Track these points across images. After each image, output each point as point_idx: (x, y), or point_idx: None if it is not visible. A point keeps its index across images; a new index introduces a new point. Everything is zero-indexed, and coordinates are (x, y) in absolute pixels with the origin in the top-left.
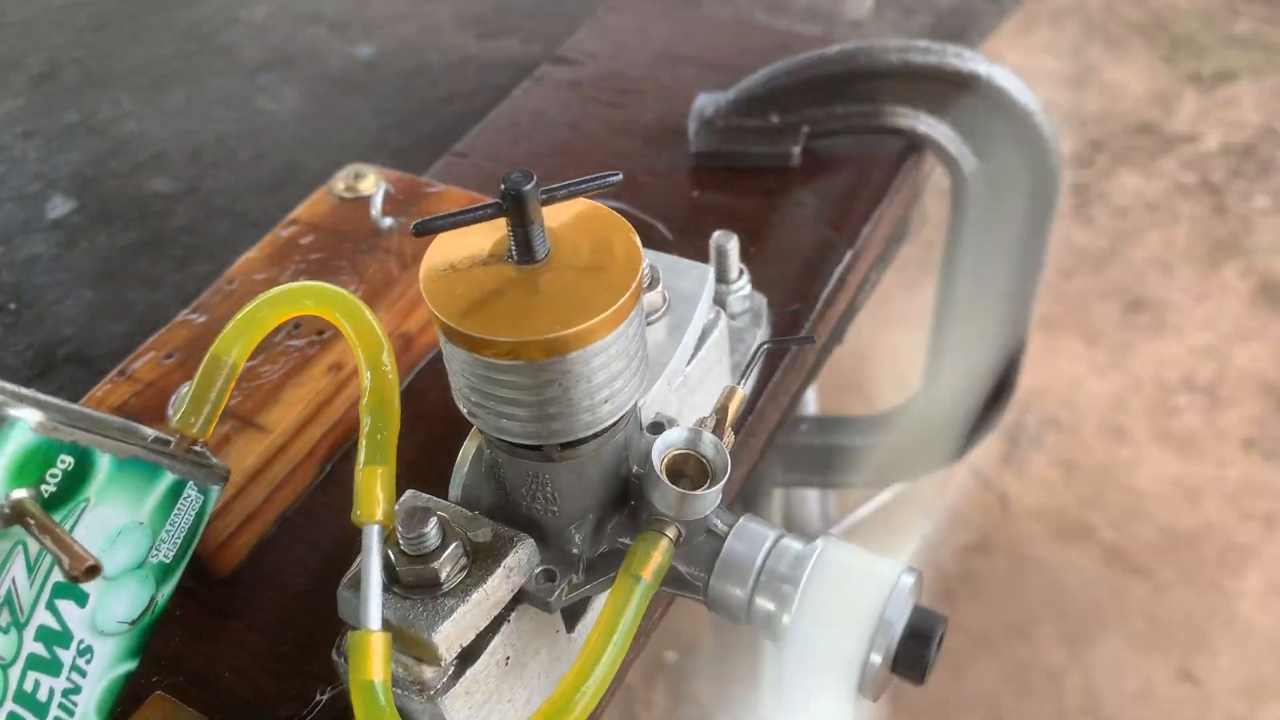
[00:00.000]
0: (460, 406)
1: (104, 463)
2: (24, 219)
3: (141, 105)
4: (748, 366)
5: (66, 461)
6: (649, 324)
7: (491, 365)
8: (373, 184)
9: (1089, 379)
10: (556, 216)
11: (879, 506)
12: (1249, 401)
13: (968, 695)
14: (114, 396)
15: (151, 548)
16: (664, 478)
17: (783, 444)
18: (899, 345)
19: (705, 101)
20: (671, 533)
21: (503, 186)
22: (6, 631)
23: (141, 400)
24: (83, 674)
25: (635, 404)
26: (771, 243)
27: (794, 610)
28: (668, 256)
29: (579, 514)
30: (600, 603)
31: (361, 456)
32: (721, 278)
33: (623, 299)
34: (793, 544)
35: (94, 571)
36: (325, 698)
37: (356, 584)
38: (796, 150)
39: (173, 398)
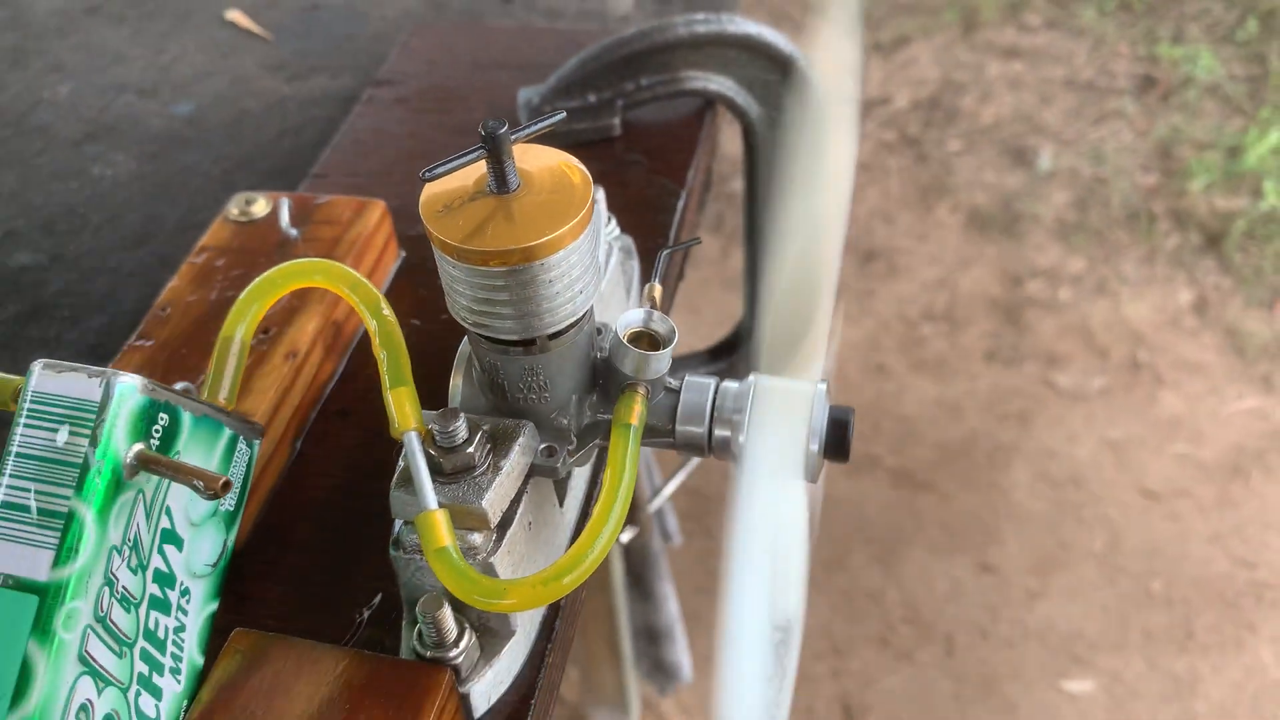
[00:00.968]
0: (464, 321)
1: (186, 421)
2: None
3: None
4: (655, 269)
5: (164, 419)
6: None
7: (490, 274)
8: (264, 206)
9: (844, 329)
10: (523, 159)
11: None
12: (982, 319)
13: (805, 632)
14: None
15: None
16: (628, 344)
17: None
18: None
19: (529, 93)
20: (641, 390)
21: (482, 132)
22: (136, 572)
23: None
24: (185, 613)
25: (596, 297)
26: (618, 197)
27: (746, 431)
28: None
29: (565, 397)
30: (579, 480)
31: (386, 382)
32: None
33: (583, 212)
34: (730, 384)
35: (228, 486)
36: (370, 613)
37: (406, 482)
38: (616, 121)
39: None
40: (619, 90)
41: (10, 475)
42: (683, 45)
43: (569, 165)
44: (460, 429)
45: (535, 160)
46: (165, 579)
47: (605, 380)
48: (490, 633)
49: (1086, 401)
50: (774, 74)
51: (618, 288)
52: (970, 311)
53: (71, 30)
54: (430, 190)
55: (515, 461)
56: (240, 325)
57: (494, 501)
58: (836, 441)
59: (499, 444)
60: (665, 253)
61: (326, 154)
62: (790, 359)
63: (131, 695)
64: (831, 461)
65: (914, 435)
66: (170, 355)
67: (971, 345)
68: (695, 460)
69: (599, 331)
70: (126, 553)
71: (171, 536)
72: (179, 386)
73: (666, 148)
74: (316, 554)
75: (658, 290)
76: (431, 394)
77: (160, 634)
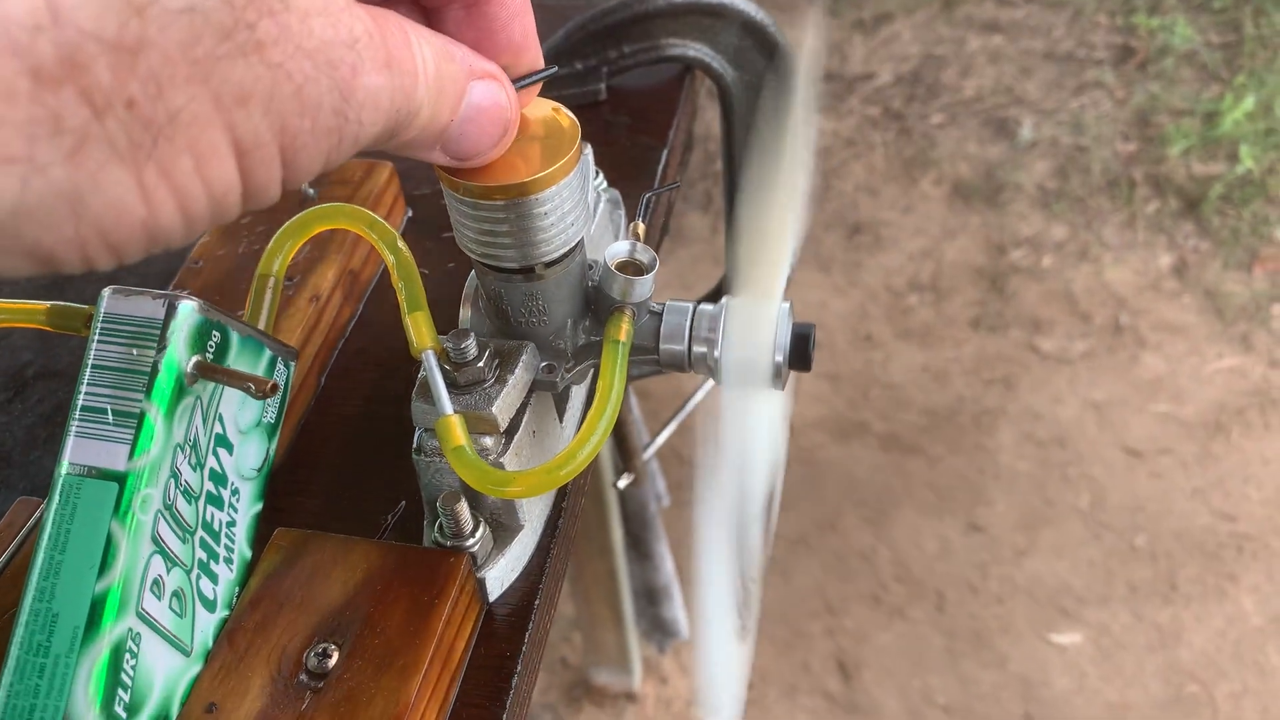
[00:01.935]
0: (471, 252)
1: (235, 339)
2: None
3: None
4: (639, 210)
5: (216, 337)
6: None
7: (492, 208)
8: None
9: (832, 300)
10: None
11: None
12: (967, 287)
13: (800, 592)
14: None
15: (264, 410)
16: (616, 271)
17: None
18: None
19: None
20: (628, 311)
21: None
22: (195, 469)
23: None
24: (235, 510)
25: (587, 231)
26: (605, 155)
27: (720, 345)
28: None
29: (561, 321)
30: (576, 400)
31: (405, 307)
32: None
33: (572, 152)
34: (706, 307)
35: (275, 388)
36: (393, 520)
37: (425, 393)
38: (602, 86)
39: None
40: (603, 58)
41: (88, 384)
42: (662, 15)
43: (559, 112)
44: (471, 347)
45: (529, 109)
46: (219, 478)
47: (597, 306)
48: (502, 527)
49: (1070, 364)
50: (747, 40)
51: (606, 232)
52: (955, 280)
53: None
54: None
55: (520, 376)
56: (275, 262)
57: (502, 409)
58: (799, 353)
59: (505, 361)
60: (647, 195)
61: None
62: (757, 285)
63: (194, 577)
64: (796, 371)
65: (902, 401)
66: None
67: (957, 313)
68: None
69: (590, 266)
70: (188, 451)
71: (223, 441)
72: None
73: (649, 110)
74: (343, 471)
75: (641, 227)
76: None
77: (215, 526)
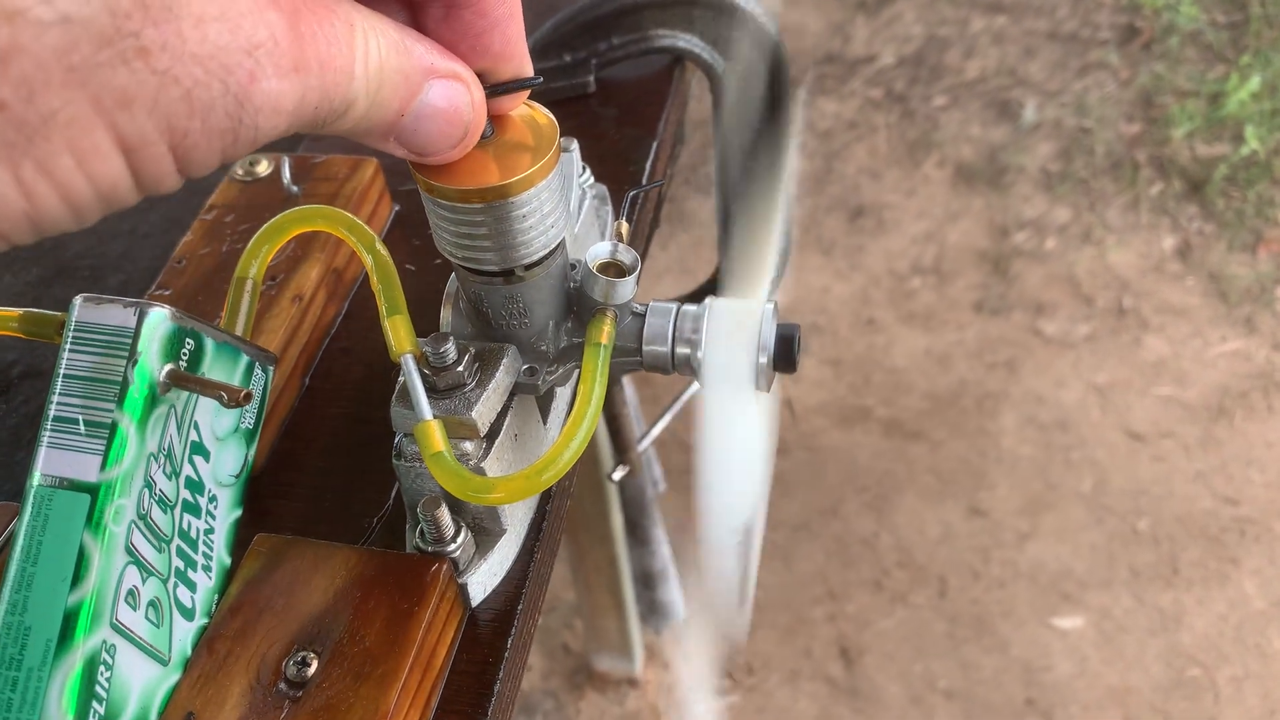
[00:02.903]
0: (451, 256)
1: (209, 346)
2: None
3: None
4: (622, 209)
5: (190, 344)
6: None
7: (470, 211)
8: (267, 166)
9: (834, 285)
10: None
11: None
12: (969, 270)
13: (802, 578)
14: None
15: (241, 416)
16: (597, 273)
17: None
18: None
19: None
20: (610, 314)
21: None
22: (170, 478)
23: None
24: (213, 517)
25: (568, 232)
26: (593, 149)
27: (703, 347)
28: None
29: (543, 323)
30: (561, 402)
31: (384, 310)
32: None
33: (551, 152)
34: (689, 307)
35: (249, 397)
36: (378, 523)
37: (404, 398)
38: (591, 79)
39: None
40: (592, 50)
41: (60, 393)
42: (651, 6)
43: (538, 113)
44: (450, 350)
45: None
46: (195, 486)
47: (579, 308)
48: (484, 531)
49: (1073, 348)
50: (737, 30)
51: (592, 229)
52: (958, 264)
53: None
54: None
55: (500, 379)
56: (252, 265)
57: (482, 413)
58: (784, 354)
59: (485, 364)
60: (631, 193)
61: None
62: (745, 285)
63: (170, 586)
64: (780, 372)
65: (904, 386)
66: (188, 302)
67: (960, 296)
68: (678, 405)
69: (573, 266)
70: (162, 460)
71: (199, 449)
72: (201, 320)
73: (639, 102)
74: (327, 474)
75: (624, 227)
76: (427, 330)
77: (193, 534)
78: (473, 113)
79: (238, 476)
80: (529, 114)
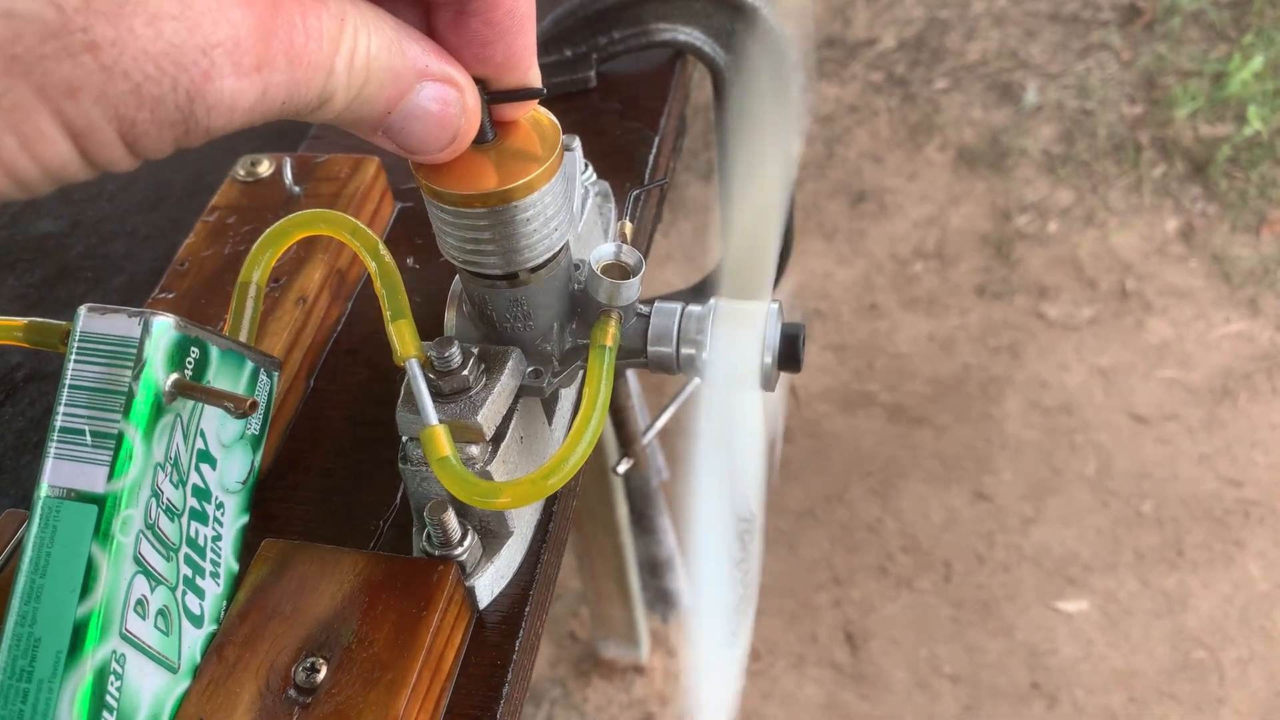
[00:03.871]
0: (454, 259)
1: (214, 354)
2: None
3: None
4: (625, 208)
5: (195, 353)
6: None
7: (473, 216)
8: (268, 167)
9: (836, 270)
10: (496, 114)
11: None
12: (972, 254)
13: (807, 564)
14: None
15: (247, 422)
16: (601, 275)
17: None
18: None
19: None
20: (615, 315)
21: None
22: (177, 487)
23: None
24: (220, 524)
25: (571, 234)
26: (594, 145)
27: (708, 348)
28: None
29: (547, 325)
30: (566, 403)
31: (389, 315)
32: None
33: (553, 157)
34: (694, 308)
35: (254, 406)
36: (386, 524)
37: (409, 402)
38: (592, 74)
39: None
40: (593, 44)
41: (66, 404)
42: None
43: (540, 115)
44: (455, 354)
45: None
46: (202, 494)
47: (583, 309)
48: (491, 534)
49: (1076, 331)
50: (739, 23)
51: (595, 228)
52: (961, 248)
53: None
54: None
55: (505, 382)
56: (255, 271)
57: (488, 417)
58: (788, 354)
59: (490, 367)
60: (634, 193)
61: None
62: (748, 284)
63: (179, 594)
64: (785, 372)
65: (908, 371)
66: (191, 305)
67: (962, 281)
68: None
69: (577, 267)
70: (169, 469)
71: (206, 456)
72: (205, 327)
73: (640, 97)
74: (333, 476)
75: (628, 227)
76: (435, 328)
77: (200, 541)
78: (464, 119)
79: (244, 483)
80: (531, 116)
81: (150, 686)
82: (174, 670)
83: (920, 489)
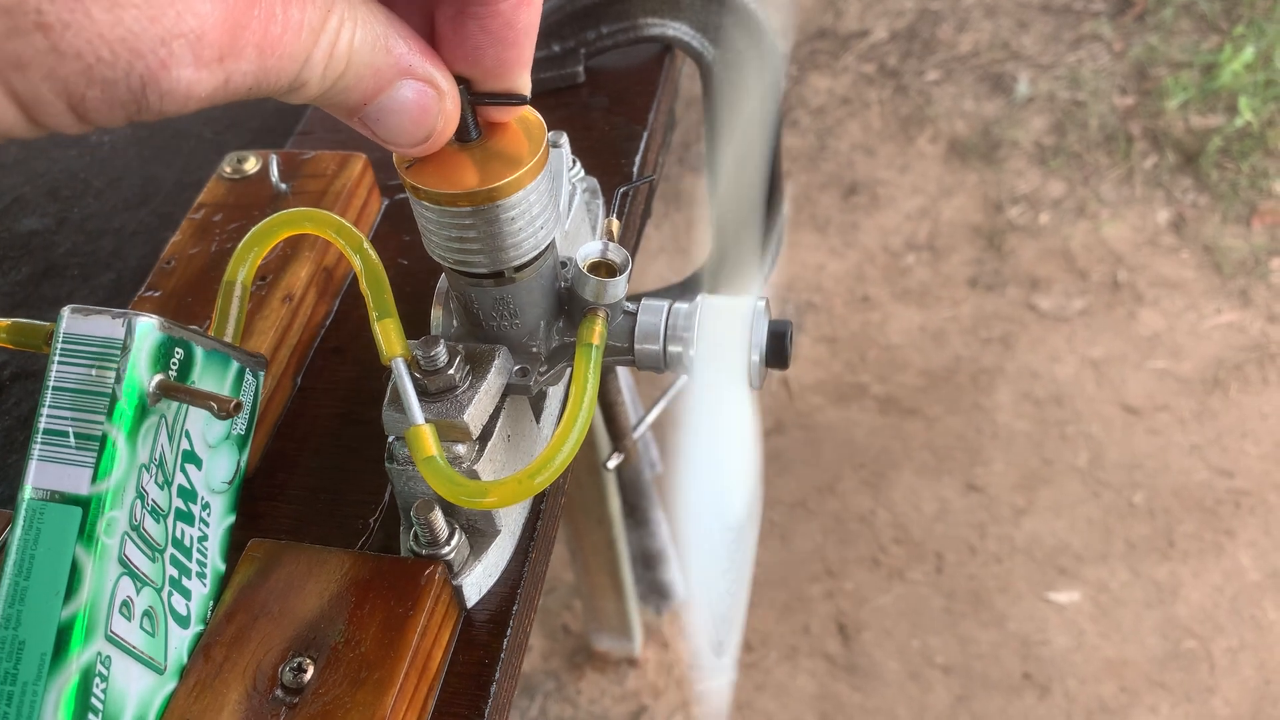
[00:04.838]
0: (440, 259)
1: (199, 354)
2: None
3: None
4: (612, 206)
5: (179, 353)
6: None
7: (458, 215)
8: (255, 164)
9: (829, 262)
10: (485, 111)
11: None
12: (964, 246)
13: (799, 556)
14: None
15: (233, 422)
16: (588, 273)
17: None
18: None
19: None
20: (601, 313)
21: None
22: (163, 488)
23: None
24: (206, 524)
25: (558, 232)
26: (583, 140)
27: (695, 345)
28: None
29: (534, 323)
30: (554, 401)
31: (374, 315)
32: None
33: (538, 155)
34: (680, 305)
35: (239, 407)
36: (376, 523)
37: (395, 402)
38: (580, 69)
39: None
40: (581, 39)
41: (49, 406)
42: None
43: (527, 113)
44: (441, 354)
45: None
46: (188, 494)
47: (570, 307)
48: (478, 533)
49: (1068, 322)
50: (726, 17)
51: (583, 225)
52: (952, 239)
53: None
54: None
55: (492, 381)
56: (240, 270)
57: (474, 416)
58: (776, 351)
59: (477, 366)
60: (621, 190)
61: (310, 112)
62: (737, 282)
63: (165, 595)
64: (772, 369)
65: (900, 363)
66: (178, 304)
67: (954, 272)
68: (673, 392)
69: (564, 265)
70: (154, 470)
71: (191, 457)
72: (190, 327)
73: (629, 92)
74: (321, 475)
75: (615, 224)
76: (422, 324)
77: (186, 542)
78: (441, 121)
79: (230, 483)
80: (518, 114)
81: (136, 687)
82: (160, 671)
83: (912, 480)
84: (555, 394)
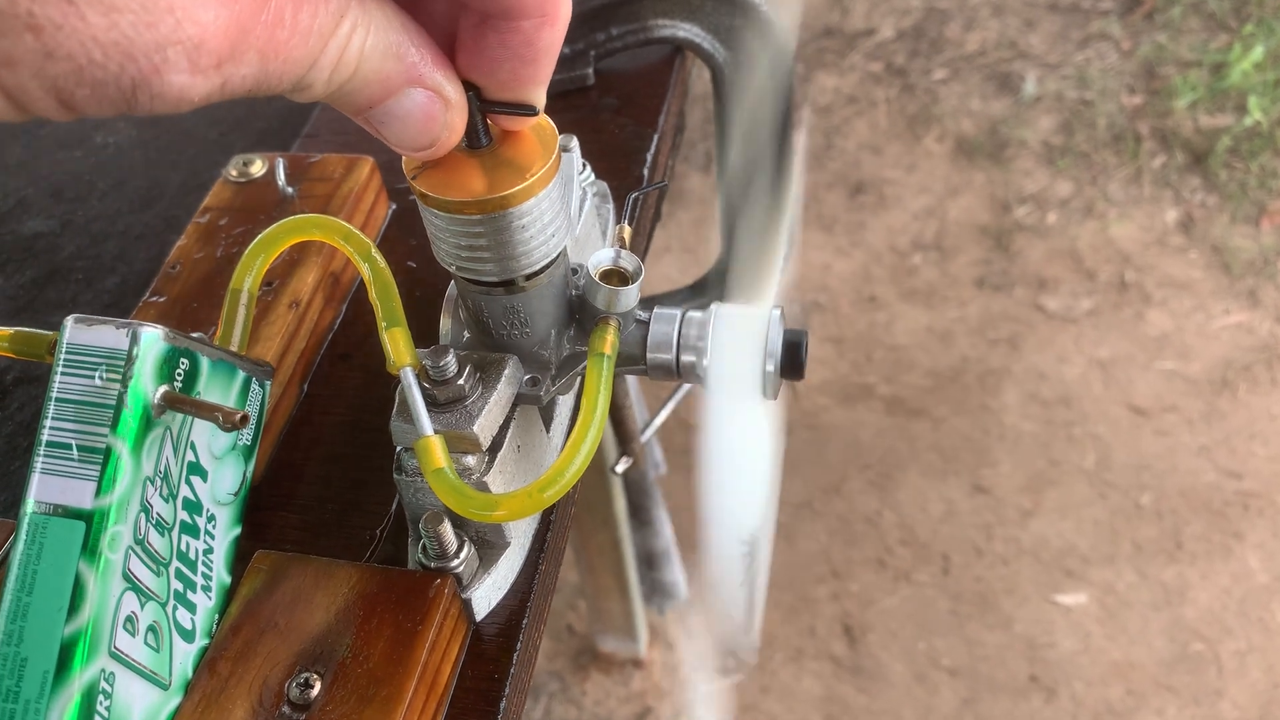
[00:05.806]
0: (449, 266)
1: (204, 364)
2: None
3: None
4: (623, 212)
5: (185, 364)
6: None
7: (468, 223)
8: (261, 167)
9: (835, 261)
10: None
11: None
12: (971, 246)
13: (805, 557)
14: None
15: (239, 433)
16: (600, 281)
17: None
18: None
19: None
20: (613, 322)
21: None
22: (168, 501)
23: None
24: (212, 536)
25: (569, 239)
26: (593, 144)
27: (709, 355)
28: None
29: (545, 332)
30: (564, 408)
31: (383, 324)
32: None
33: (550, 163)
34: (694, 313)
35: (245, 419)
36: (383, 534)
37: (404, 412)
38: (590, 71)
39: None
40: (591, 41)
41: (52, 418)
42: None
43: (540, 119)
44: (450, 363)
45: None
46: (193, 506)
47: (581, 315)
48: (488, 545)
49: (1075, 323)
50: (738, 19)
51: (593, 230)
52: (960, 239)
53: None
54: None
55: (502, 391)
56: (247, 278)
57: (484, 427)
58: (791, 361)
59: (487, 376)
60: (633, 196)
61: (316, 114)
62: (750, 289)
63: (170, 609)
64: (787, 379)
65: (906, 363)
66: (183, 309)
67: (961, 272)
68: (680, 394)
69: (574, 271)
70: (159, 483)
71: (197, 469)
72: (195, 336)
73: (639, 94)
74: (328, 484)
75: (627, 231)
76: (432, 330)
77: (191, 555)
78: (445, 132)
79: (236, 494)
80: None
81: (140, 704)
82: (165, 687)
83: (918, 481)
84: (565, 402)
